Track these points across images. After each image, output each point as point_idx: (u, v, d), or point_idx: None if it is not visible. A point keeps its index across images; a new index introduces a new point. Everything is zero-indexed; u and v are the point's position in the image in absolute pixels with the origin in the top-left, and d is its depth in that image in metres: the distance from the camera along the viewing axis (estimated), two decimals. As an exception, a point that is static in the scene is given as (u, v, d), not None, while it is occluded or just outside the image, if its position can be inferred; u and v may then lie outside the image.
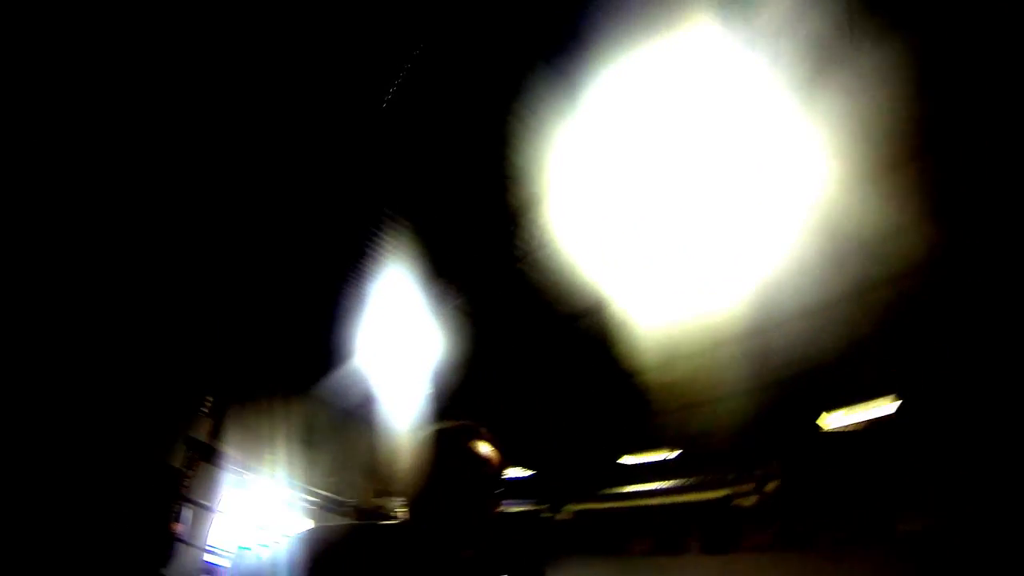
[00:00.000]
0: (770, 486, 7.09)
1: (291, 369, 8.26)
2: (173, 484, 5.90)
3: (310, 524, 7.35)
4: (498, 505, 1.47)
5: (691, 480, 8.03)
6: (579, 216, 7.30)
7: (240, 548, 6.31)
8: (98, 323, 5.85)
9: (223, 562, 6.13)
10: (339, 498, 7.92)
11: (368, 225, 7.54)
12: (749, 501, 7.21)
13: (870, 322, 6.85)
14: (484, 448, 1.48)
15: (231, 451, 6.75)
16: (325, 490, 7.79)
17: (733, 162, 6.36)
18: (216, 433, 6.79)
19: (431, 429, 1.52)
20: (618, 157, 6.50)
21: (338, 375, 8.73)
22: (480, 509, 1.42)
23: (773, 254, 7.21)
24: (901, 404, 6.41)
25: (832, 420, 7.00)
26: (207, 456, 6.46)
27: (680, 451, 8.97)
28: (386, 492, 8.48)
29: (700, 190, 6.65)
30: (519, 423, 12.64)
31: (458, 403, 10.01)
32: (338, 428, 8.38)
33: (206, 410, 6.93)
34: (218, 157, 6.22)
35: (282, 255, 7.63)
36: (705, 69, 5.66)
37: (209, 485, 6.28)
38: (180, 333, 6.74)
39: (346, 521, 8.04)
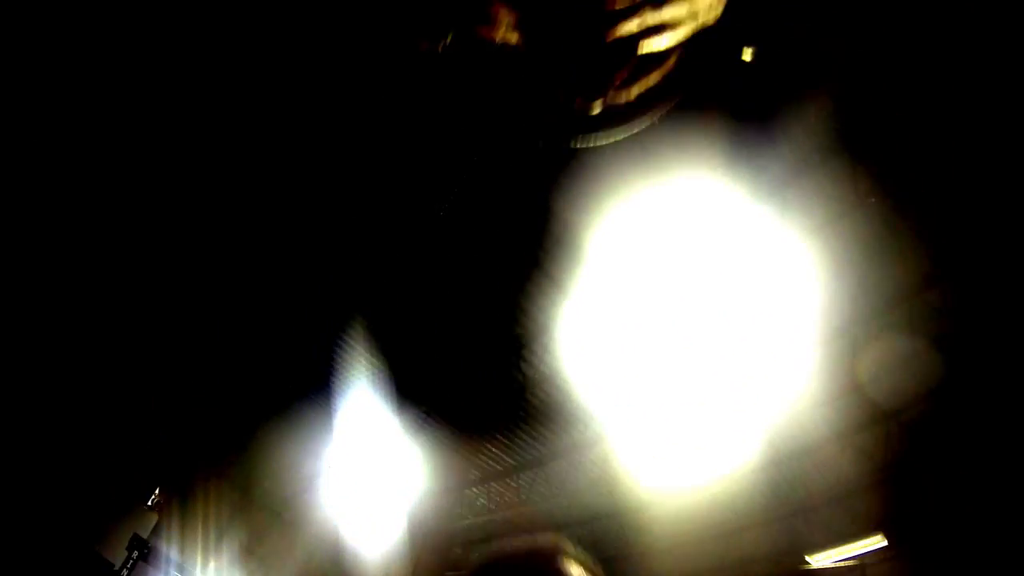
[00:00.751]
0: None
1: (248, 474, 7.74)
2: (106, 584, 5.26)
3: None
4: None
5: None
6: (580, 353, 7.39)
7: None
8: (45, 402, 5.56)
9: None
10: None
11: (347, 339, 7.53)
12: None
13: (856, 463, 6.87)
14: None
15: (173, 553, 6.09)
16: (268, 612, 6.95)
17: (727, 314, 6.67)
18: (160, 531, 6.18)
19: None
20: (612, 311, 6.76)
21: (298, 489, 8.17)
22: None
23: (765, 400, 7.34)
24: (887, 541, 6.27)
25: (817, 559, 6.76)
26: (147, 556, 5.81)
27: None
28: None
29: (694, 340, 6.89)
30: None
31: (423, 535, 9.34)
32: (290, 545, 7.67)
33: (152, 505, 6.37)
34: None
35: (260, 364, 7.49)
36: (712, 222, 6.04)
37: (146, 587, 5.58)
38: (133, 422, 6.39)
39: None
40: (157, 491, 6.31)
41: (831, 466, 7.10)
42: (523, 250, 6.56)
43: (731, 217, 6.03)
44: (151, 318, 6.24)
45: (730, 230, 6.10)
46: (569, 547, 0.93)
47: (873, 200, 5.77)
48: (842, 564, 6.46)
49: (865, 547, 6.44)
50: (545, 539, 0.97)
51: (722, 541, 7.87)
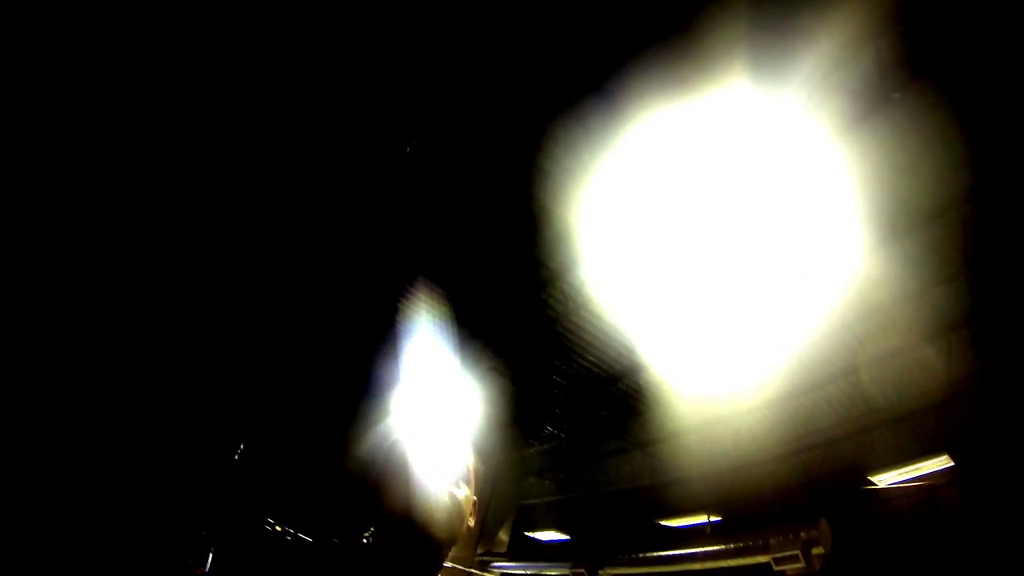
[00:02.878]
0: (816, 551, 6.52)
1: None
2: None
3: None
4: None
5: (732, 544, 7.47)
6: (615, 282, 6.82)
7: None
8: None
9: None
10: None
11: (400, 290, 7.56)
12: (794, 568, 6.64)
13: (914, 381, 6.30)
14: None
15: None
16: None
17: (766, 228, 5.90)
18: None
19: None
20: (653, 224, 6.24)
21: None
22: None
23: (808, 317, 6.74)
24: (955, 462, 5.82)
25: (881, 479, 6.45)
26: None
27: (721, 516, 8.50)
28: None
29: (733, 259, 6.23)
30: (556, 486, 12.26)
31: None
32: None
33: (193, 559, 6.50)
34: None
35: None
36: (739, 136, 5.35)
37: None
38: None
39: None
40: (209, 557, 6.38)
41: (891, 382, 6.57)
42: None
43: (755, 131, 5.34)
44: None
45: (755, 144, 5.42)
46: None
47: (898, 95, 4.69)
48: (908, 486, 6.11)
49: (930, 468, 6.04)
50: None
51: (778, 462, 7.68)
